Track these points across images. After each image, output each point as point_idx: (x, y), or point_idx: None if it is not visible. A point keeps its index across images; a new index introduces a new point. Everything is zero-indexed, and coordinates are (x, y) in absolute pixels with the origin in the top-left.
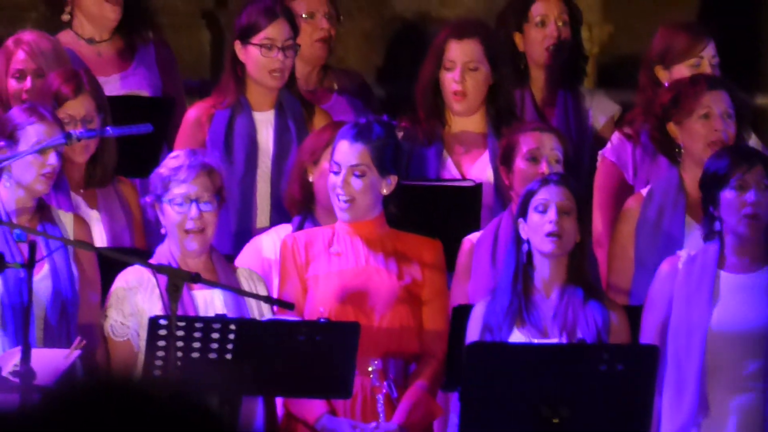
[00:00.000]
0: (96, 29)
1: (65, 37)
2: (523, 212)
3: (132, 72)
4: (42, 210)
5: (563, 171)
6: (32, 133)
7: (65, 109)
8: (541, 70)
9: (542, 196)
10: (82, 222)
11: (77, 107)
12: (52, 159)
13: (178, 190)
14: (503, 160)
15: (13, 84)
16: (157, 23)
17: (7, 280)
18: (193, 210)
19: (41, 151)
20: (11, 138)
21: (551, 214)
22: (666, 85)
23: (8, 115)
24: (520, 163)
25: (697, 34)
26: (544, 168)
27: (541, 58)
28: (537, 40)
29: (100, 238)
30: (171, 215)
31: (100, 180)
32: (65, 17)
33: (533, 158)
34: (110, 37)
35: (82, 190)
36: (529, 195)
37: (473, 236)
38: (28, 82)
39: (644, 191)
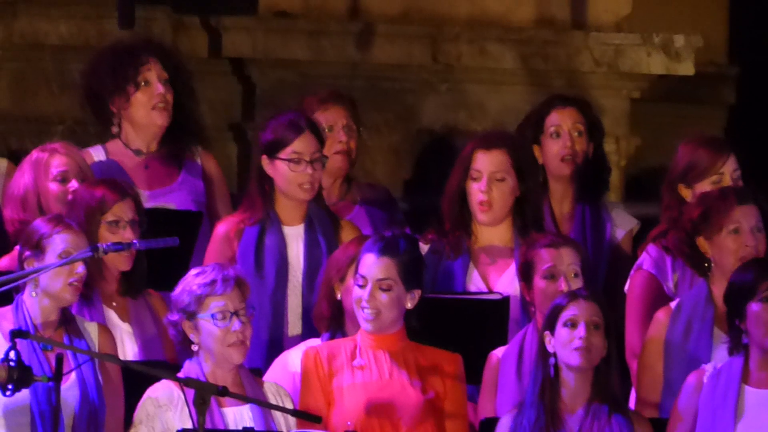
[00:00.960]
0: (144, 140)
1: (113, 147)
2: (550, 326)
3: (177, 187)
4: (67, 321)
5: (582, 284)
6: (59, 242)
7: (113, 212)
8: (558, 182)
9: (571, 312)
10: (106, 332)
11: (125, 210)
12: (79, 268)
13: (217, 305)
14: (523, 277)
15: (55, 187)
16: (207, 137)
17: (36, 388)
18: (236, 323)
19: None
20: (38, 248)
21: (581, 330)
22: (689, 201)
23: (34, 225)
24: (539, 282)
25: (717, 150)
26: (562, 286)
27: (557, 169)
28: (552, 151)
29: (131, 351)
30: (211, 331)
31: (134, 291)
32: (114, 129)
33: (551, 276)
34: (158, 148)
35: (114, 303)
36: (558, 310)
37: (499, 351)
38: (73, 183)
39: (673, 304)
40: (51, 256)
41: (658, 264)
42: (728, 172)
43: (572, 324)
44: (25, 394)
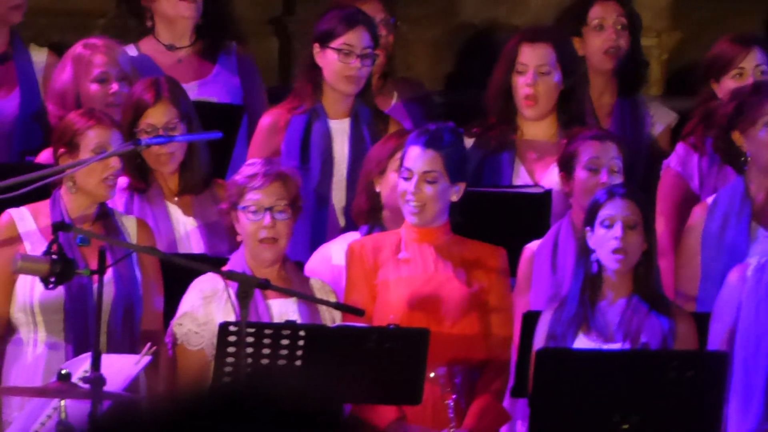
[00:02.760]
0: (176, 34)
1: (146, 44)
2: (590, 222)
3: (212, 79)
4: (105, 216)
5: (623, 180)
6: (92, 137)
7: (146, 119)
8: (599, 76)
9: (608, 211)
10: (145, 226)
11: (157, 116)
12: (114, 162)
13: (252, 198)
14: (563, 167)
15: (95, 88)
16: (242, 32)
17: (70, 286)
18: (267, 219)
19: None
20: (71, 144)
21: (617, 230)
22: (721, 97)
23: (66, 121)
24: (580, 173)
25: (739, 43)
26: (604, 178)
27: (599, 63)
28: (596, 45)
29: (196, 244)
30: (245, 224)
31: (193, 187)
32: (149, 23)
33: (593, 168)
34: (191, 43)
35: (176, 198)
36: (596, 207)
37: (533, 244)
38: (114, 86)
39: (709, 200)
40: (84, 152)
41: (684, 162)
42: (750, 66)
43: (609, 224)
44: (59, 291)
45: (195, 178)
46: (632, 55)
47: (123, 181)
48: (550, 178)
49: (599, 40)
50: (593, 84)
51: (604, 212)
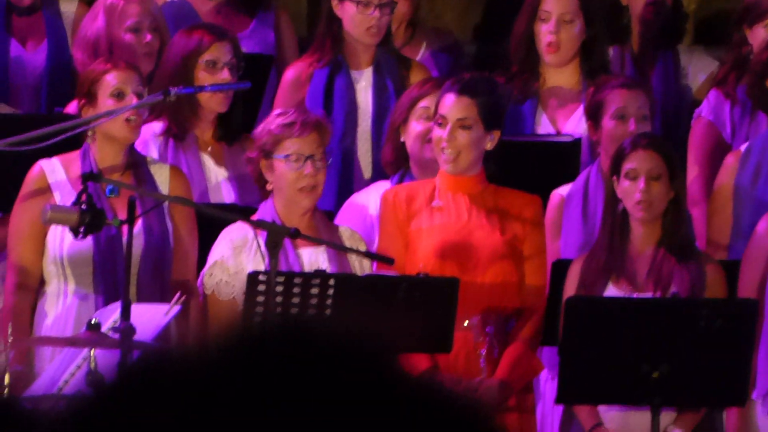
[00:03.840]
0: None
1: None
2: (616, 172)
3: (249, 34)
4: (136, 165)
5: (650, 128)
6: (108, 80)
7: (211, 52)
8: (642, 26)
9: (631, 163)
10: (179, 175)
11: (223, 51)
12: (131, 104)
13: (291, 147)
14: (591, 116)
15: (129, 38)
16: None
17: (99, 238)
18: (308, 167)
19: (119, 99)
20: (89, 93)
21: (640, 182)
22: (753, 43)
23: (84, 73)
24: (607, 122)
25: None
26: (632, 126)
27: (643, 12)
28: None
29: (227, 195)
30: (284, 172)
31: (229, 136)
32: None
33: (621, 116)
34: None
35: (210, 148)
36: (620, 158)
37: (562, 189)
38: (148, 36)
39: (742, 148)
40: (103, 98)
41: (716, 111)
42: None
43: (633, 176)
44: (88, 242)
45: (232, 127)
46: (674, 6)
47: (158, 126)
48: (572, 125)
49: None
50: (635, 35)
51: (628, 165)
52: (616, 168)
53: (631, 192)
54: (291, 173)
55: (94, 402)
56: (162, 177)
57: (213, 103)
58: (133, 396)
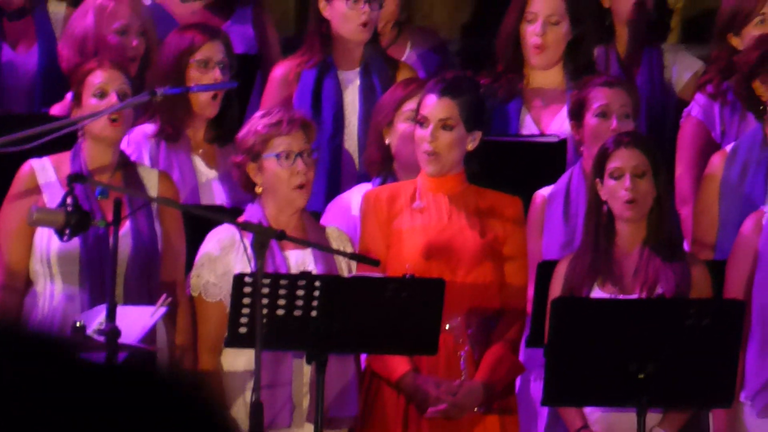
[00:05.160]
0: None
1: None
2: (598, 173)
3: (226, 30)
4: (125, 167)
5: (632, 127)
6: (91, 80)
7: (202, 52)
8: (625, 27)
9: (615, 162)
10: (167, 179)
11: (215, 50)
12: (113, 102)
13: (282, 144)
14: (573, 115)
15: (114, 40)
16: None
17: (86, 238)
18: (300, 164)
19: (101, 98)
20: (76, 94)
21: (625, 181)
22: (744, 47)
23: (70, 73)
24: (590, 120)
25: None
26: (614, 124)
27: (626, 14)
28: None
29: (218, 196)
30: (276, 171)
31: (222, 138)
32: None
33: (603, 114)
34: None
35: (201, 150)
36: (603, 157)
37: (544, 190)
38: (134, 40)
39: (728, 148)
40: (87, 97)
41: (706, 111)
42: None
43: (618, 175)
44: (75, 242)
45: (224, 128)
46: (657, 3)
47: (150, 128)
48: (556, 126)
49: None
50: (619, 35)
51: (612, 164)
52: (598, 169)
53: (616, 191)
54: (283, 171)
55: None
56: (151, 181)
57: (204, 108)
58: None
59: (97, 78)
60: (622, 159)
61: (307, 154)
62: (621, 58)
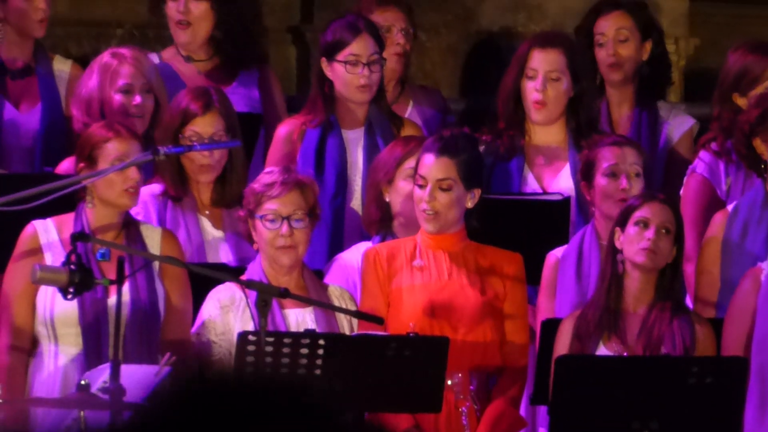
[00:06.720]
0: (190, 49)
1: (168, 53)
2: (622, 223)
3: (231, 91)
4: (128, 227)
5: (643, 185)
6: (110, 149)
7: (192, 126)
8: (612, 88)
9: (644, 213)
10: (170, 237)
11: (205, 125)
12: (133, 173)
13: (270, 207)
14: (584, 175)
15: (119, 98)
16: (264, 48)
17: (84, 300)
18: (284, 227)
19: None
20: (90, 158)
21: (651, 231)
22: (746, 108)
23: (86, 135)
24: (600, 179)
25: (761, 54)
26: (624, 184)
27: (606, 76)
28: (600, 58)
29: (224, 256)
30: (263, 231)
31: (227, 201)
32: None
33: (613, 174)
34: (208, 57)
35: (207, 211)
36: (631, 209)
37: (558, 251)
38: (138, 98)
39: (730, 207)
40: (103, 165)
41: (711, 168)
42: None
43: (644, 224)
44: (74, 304)
45: (230, 192)
46: (652, 59)
47: (157, 188)
48: (558, 183)
49: (601, 55)
50: (610, 94)
51: (640, 213)
52: (623, 219)
53: (637, 238)
54: (268, 233)
55: None
56: (153, 240)
57: (199, 174)
58: None
59: (117, 149)
60: (652, 211)
61: (295, 217)
62: (611, 116)
